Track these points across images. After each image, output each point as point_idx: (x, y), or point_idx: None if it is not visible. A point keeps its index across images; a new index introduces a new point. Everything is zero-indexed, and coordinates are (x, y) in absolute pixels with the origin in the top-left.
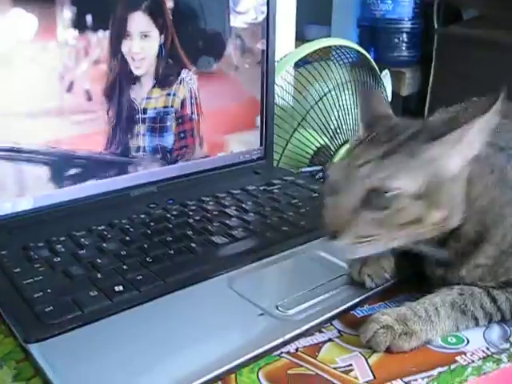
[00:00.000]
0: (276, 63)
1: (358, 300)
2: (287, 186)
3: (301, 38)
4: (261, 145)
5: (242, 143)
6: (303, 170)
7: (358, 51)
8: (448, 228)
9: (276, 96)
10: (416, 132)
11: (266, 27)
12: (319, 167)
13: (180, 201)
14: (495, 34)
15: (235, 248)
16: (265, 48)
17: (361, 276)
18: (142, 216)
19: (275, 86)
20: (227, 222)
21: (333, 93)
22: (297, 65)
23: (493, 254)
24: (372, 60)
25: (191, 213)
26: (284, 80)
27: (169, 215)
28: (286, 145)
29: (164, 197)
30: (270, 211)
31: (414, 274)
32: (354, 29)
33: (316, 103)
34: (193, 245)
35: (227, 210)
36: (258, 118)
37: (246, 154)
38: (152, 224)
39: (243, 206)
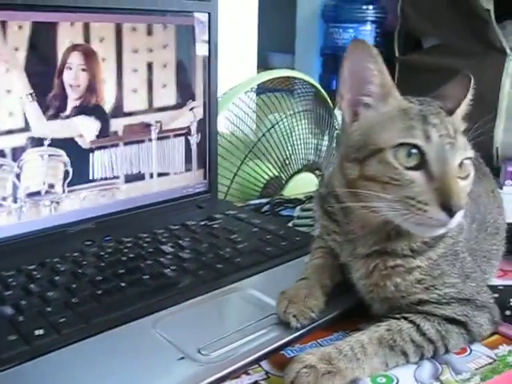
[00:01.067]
0: (222, 95)
1: (286, 340)
2: (228, 221)
3: (264, 66)
4: (204, 178)
5: (185, 177)
6: (250, 202)
7: (310, 83)
8: None
9: (224, 128)
10: None
11: (208, 62)
12: (266, 199)
13: (117, 237)
14: (454, 62)
15: (165, 288)
16: (207, 80)
17: (286, 316)
18: (76, 254)
19: (226, 117)
20: (161, 259)
21: (282, 123)
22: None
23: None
24: (324, 92)
25: (126, 250)
26: (231, 112)
27: (102, 253)
28: (234, 177)
29: (102, 233)
30: (206, 247)
31: (349, 311)
32: (318, 57)
33: (263, 135)
34: (122, 284)
35: (163, 247)
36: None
37: (189, 187)
38: (84, 263)
39: (180, 242)
